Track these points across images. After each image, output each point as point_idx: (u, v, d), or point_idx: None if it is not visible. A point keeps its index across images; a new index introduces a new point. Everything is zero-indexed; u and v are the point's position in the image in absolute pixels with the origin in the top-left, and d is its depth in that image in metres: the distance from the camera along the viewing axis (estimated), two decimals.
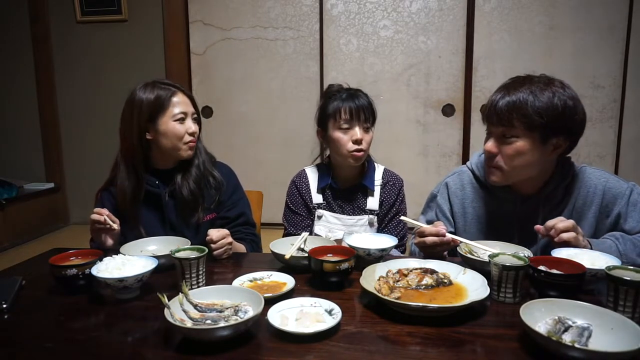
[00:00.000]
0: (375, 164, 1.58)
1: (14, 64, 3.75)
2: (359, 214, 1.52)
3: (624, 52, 3.11)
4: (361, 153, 1.45)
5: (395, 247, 1.35)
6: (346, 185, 1.54)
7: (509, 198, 1.27)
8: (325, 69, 3.41)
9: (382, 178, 1.55)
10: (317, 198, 1.55)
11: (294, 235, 1.49)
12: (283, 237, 1.55)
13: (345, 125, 1.44)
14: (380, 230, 1.52)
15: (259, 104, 3.53)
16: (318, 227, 1.53)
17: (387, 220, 1.53)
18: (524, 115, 1.13)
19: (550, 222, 1.10)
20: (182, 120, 1.37)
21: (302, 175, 1.59)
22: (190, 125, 1.39)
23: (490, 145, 1.20)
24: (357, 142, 1.44)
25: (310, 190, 1.56)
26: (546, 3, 3.13)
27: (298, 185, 1.57)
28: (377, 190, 1.53)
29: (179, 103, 1.38)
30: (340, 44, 3.38)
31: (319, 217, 1.54)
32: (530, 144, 1.15)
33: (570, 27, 3.13)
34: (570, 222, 1.08)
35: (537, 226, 1.12)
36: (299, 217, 1.56)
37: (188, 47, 3.55)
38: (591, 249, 1.10)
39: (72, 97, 3.77)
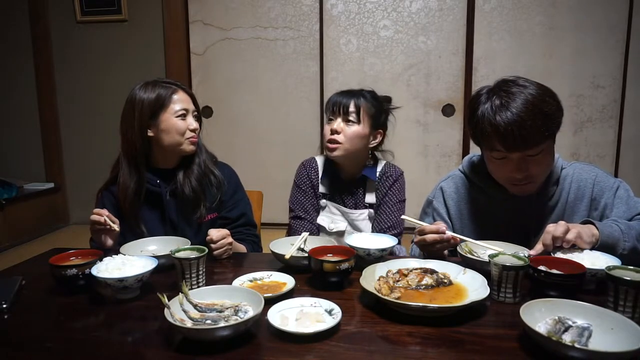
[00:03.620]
0: (379, 160, 1.59)
1: (14, 64, 3.75)
2: (360, 208, 1.53)
3: (624, 52, 3.11)
4: (334, 145, 1.46)
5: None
6: (348, 178, 1.55)
7: (503, 197, 1.28)
8: (325, 69, 3.41)
9: (381, 171, 1.55)
10: (322, 187, 1.57)
11: (301, 218, 1.52)
12: (290, 220, 1.58)
13: (331, 118, 1.50)
14: (373, 223, 1.52)
15: (259, 104, 3.54)
16: (321, 218, 1.54)
17: (379, 211, 1.52)
18: (548, 128, 1.11)
19: (548, 237, 1.06)
20: (183, 116, 1.38)
21: (312, 162, 1.60)
22: (191, 122, 1.39)
23: (519, 173, 1.15)
24: (332, 131, 1.47)
25: (318, 177, 1.57)
26: (546, 3, 3.13)
27: (307, 169, 1.58)
28: (375, 183, 1.54)
29: (180, 100, 1.38)
30: (340, 44, 3.38)
31: (323, 207, 1.55)
32: (552, 148, 1.17)
33: (570, 27, 3.13)
34: (562, 224, 1.06)
35: (537, 248, 1.08)
36: (306, 197, 1.56)
37: (188, 47, 3.55)
38: (597, 228, 1.09)
39: (72, 97, 3.77)
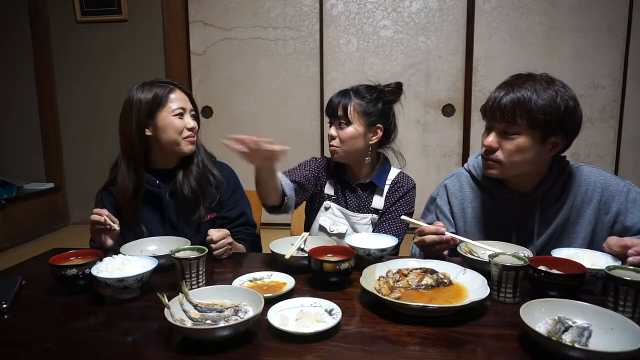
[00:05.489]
0: (391, 166, 1.57)
1: (14, 64, 3.75)
2: (364, 212, 1.52)
3: (624, 52, 3.11)
4: (333, 148, 1.48)
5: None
6: (356, 182, 1.54)
7: (507, 197, 1.28)
8: (325, 69, 3.41)
9: (394, 180, 1.53)
10: (329, 189, 1.56)
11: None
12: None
13: (329, 122, 1.52)
14: (374, 229, 1.51)
15: (259, 104, 3.54)
16: (323, 219, 1.54)
17: (382, 218, 1.50)
18: (527, 113, 1.13)
19: (630, 240, 1.03)
20: (180, 115, 1.38)
21: (324, 160, 1.59)
22: (189, 121, 1.39)
23: (491, 140, 1.20)
24: (329, 137, 1.50)
25: (328, 177, 1.57)
26: (546, 3, 3.13)
27: (318, 164, 1.57)
28: (386, 190, 1.52)
29: (177, 99, 1.39)
30: (340, 44, 3.38)
31: (326, 209, 1.54)
32: (531, 141, 1.16)
33: (570, 27, 3.13)
34: None
35: (613, 241, 1.04)
36: (300, 170, 1.54)
37: (188, 47, 3.55)
38: None
39: (72, 97, 3.77)
